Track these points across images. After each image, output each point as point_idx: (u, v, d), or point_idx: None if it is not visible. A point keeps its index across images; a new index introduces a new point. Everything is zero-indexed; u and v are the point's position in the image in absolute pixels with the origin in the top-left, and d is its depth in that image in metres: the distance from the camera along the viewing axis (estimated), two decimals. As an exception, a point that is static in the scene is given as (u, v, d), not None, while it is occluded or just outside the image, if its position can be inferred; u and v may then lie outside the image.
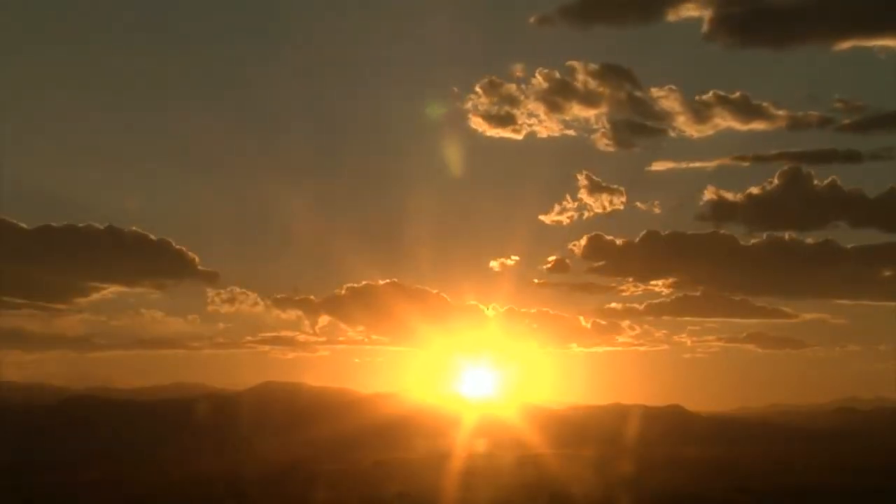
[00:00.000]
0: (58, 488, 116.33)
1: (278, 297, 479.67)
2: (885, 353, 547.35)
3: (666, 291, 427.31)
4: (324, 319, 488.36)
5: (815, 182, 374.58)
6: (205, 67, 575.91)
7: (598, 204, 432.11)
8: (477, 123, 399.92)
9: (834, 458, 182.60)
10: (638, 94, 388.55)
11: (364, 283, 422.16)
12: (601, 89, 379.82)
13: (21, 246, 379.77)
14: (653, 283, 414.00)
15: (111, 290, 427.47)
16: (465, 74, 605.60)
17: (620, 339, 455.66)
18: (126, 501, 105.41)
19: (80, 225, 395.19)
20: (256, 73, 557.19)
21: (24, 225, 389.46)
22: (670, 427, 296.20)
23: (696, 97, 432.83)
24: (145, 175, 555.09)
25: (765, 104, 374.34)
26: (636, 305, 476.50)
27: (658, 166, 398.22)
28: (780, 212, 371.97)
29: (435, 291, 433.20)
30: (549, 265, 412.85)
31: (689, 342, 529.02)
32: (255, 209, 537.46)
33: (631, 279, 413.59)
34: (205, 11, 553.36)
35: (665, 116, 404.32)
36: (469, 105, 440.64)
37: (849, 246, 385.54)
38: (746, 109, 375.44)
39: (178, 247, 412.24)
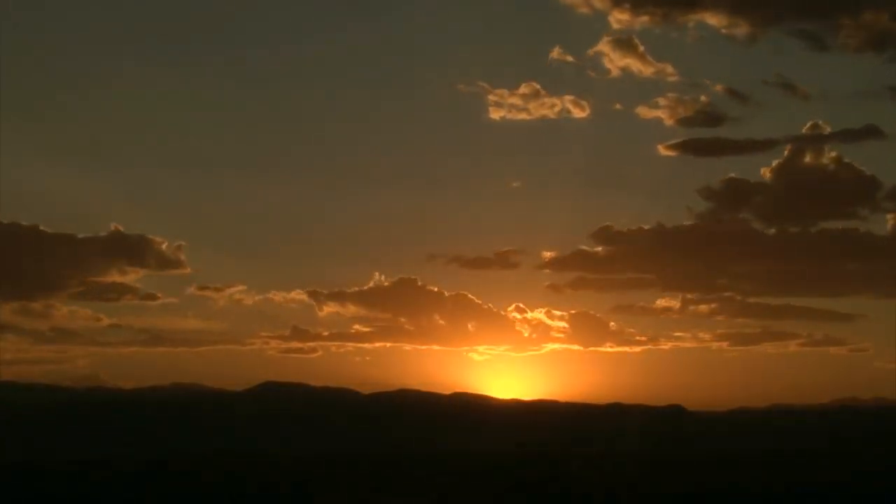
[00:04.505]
0: (58, 489, 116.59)
1: (279, 293, 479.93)
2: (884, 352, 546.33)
3: (673, 288, 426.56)
4: (327, 317, 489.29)
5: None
6: (204, 66, 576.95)
7: (608, 195, 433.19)
8: (494, 111, 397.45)
9: (834, 458, 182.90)
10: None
11: (371, 280, 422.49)
12: (628, 74, 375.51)
13: (14, 244, 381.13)
14: (662, 277, 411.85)
15: (110, 289, 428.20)
16: (478, 63, 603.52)
17: (627, 337, 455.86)
18: (128, 502, 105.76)
19: (80, 225, 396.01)
20: (257, 70, 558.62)
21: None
22: (670, 427, 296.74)
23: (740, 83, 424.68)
24: (144, 174, 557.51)
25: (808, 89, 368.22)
26: (643, 303, 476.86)
27: (687, 150, 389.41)
28: (803, 200, 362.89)
29: (439, 289, 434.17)
30: (557, 260, 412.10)
31: (689, 341, 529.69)
32: (258, 206, 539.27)
33: (637, 275, 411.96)
34: (205, 12, 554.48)
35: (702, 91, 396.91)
36: (484, 93, 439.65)
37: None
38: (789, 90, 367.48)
39: (177, 245, 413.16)
